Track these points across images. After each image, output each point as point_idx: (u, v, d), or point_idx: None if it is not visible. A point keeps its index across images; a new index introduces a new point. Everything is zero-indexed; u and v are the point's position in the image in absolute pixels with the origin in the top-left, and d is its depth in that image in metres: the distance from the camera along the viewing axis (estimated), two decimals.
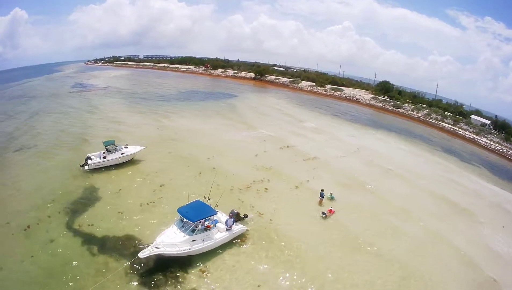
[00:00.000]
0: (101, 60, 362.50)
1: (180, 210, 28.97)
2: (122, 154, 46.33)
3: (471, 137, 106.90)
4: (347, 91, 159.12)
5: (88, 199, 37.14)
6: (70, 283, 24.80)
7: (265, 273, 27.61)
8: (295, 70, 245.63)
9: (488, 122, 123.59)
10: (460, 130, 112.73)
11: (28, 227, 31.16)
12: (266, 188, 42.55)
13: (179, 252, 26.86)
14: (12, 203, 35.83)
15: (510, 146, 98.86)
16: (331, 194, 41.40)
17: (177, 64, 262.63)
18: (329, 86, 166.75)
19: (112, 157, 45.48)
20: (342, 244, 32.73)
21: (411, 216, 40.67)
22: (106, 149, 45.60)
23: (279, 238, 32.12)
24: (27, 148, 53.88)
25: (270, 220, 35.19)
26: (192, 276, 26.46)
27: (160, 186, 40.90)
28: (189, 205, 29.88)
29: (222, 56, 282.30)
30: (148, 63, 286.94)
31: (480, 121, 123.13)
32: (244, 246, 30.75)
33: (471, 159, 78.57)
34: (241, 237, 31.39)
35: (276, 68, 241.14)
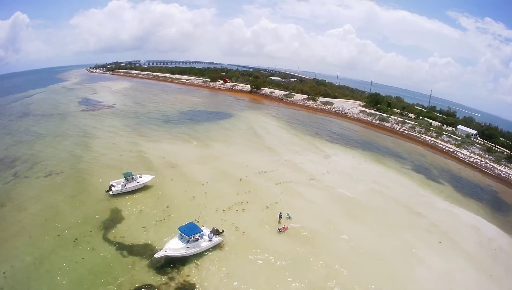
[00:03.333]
0: (102, 66, 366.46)
1: (180, 228, 45.71)
2: (137, 182, 61.88)
3: (451, 150, 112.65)
4: (337, 104, 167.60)
5: (116, 218, 52.66)
6: (108, 277, 40.05)
7: (231, 265, 44.17)
8: (291, 79, 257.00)
9: (474, 132, 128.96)
10: (441, 143, 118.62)
11: (76, 239, 46.43)
12: (243, 209, 58.17)
13: (180, 254, 43.40)
14: (58, 221, 50.65)
15: (490, 157, 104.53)
16: (288, 214, 56.41)
17: (178, 74, 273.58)
18: (321, 99, 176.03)
19: (130, 185, 60.95)
20: (289, 251, 48.29)
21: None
22: (126, 179, 61.14)
23: (246, 245, 48.47)
24: (55, 174, 68.08)
25: (243, 232, 51.38)
26: (188, 268, 42.80)
27: (167, 207, 56.75)
28: (185, 225, 46.61)
29: (223, 60, 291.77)
30: (149, 73, 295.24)
31: (466, 132, 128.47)
32: (222, 250, 47.04)
33: (439, 176, 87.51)
34: (219, 245, 47.69)
35: (273, 78, 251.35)
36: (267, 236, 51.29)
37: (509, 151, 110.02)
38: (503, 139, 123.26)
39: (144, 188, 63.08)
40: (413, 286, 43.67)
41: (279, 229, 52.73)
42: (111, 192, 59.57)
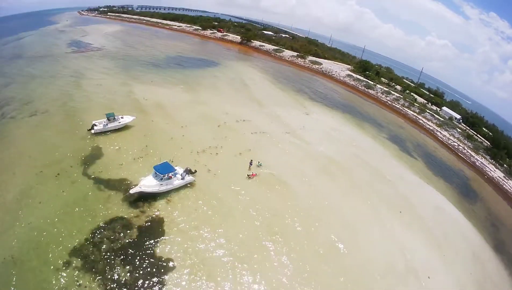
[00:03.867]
0: (95, 10, 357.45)
1: (155, 167, 48.78)
2: (119, 122, 64.07)
3: (431, 128, 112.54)
4: (326, 65, 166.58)
5: (96, 155, 55.22)
6: (87, 205, 43.52)
7: (199, 203, 47.76)
8: (283, 35, 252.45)
9: (458, 116, 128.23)
10: (422, 119, 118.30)
11: (58, 174, 48.95)
12: (217, 153, 61.24)
13: (153, 191, 46.47)
14: (41, 158, 52.64)
15: (469, 144, 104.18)
16: (259, 162, 59.55)
17: (170, 20, 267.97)
18: (310, 58, 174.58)
19: (112, 125, 63.17)
20: (252, 198, 51.49)
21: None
22: (108, 119, 63.16)
23: (215, 186, 51.89)
24: (40, 113, 68.73)
25: (214, 174, 54.64)
26: (160, 203, 46.31)
27: (145, 146, 59.49)
28: (160, 164, 49.74)
29: (217, 10, 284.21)
30: (141, 17, 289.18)
31: (450, 114, 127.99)
32: (192, 189, 50.54)
33: (413, 150, 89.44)
34: (192, 184, 51.08)
35: (264, 32, 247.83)
36: (236, 180, 54.53)
37: (488, 143, 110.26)
38: (486, 130, 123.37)
39: (125, 128, 65.36)
40: (366, 243, 47.86)
41: (248, 175, 55.88)
42: (93, 131, 61.66)
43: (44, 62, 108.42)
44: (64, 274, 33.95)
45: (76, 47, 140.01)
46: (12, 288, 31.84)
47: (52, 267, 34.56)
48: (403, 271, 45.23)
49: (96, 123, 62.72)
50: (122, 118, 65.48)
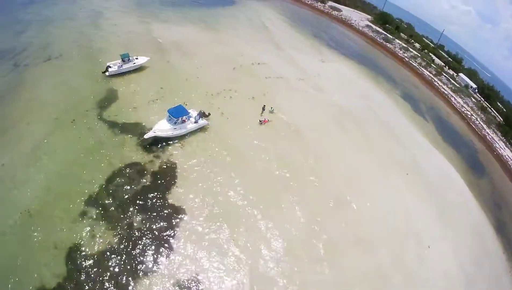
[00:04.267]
0: None
1: (168, 110, 48.42)
2: (133, 63, 62.99)
3: (445, 92, 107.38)
4: (345, 12, 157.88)
5: (111, 98, 54.85)
6: (103, 151, 44.06)
7: (212, 147, 48.14)
8: None
9: (474, 86, 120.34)
10: (438, 82, 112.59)
11: (74, 120, 48.88)
12: (231, 96, 60.43)
13: (167, 135, 46.64)
14: (57, 103, 52.05)
15: (482, 116, 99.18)
16: (271, 107, 58.66)
17: None
18: (330, 3, 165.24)
19: (126, 66, 62.13)
20: (264, 144, 51.38)
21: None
22: (122, 60, 62.14)
23: (228, 130, 51.64)
24: (54, 58, 66.13)
25: (227, 118, 54.36)
26: (174, 147, 46.79)
27: (160, 88, 58.81)
28: (174, 108, 49.30)
29: None
30: None
31: (466, 82, 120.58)
32: (205, 133, 50.66)
33: (425, 112, 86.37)
34: (205, 128, 50.96)
35: None
36: (249, 125, 54.61)
37: (501, 119, 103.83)
38: (500, 105, 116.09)
39: (140, 69, 64.26)
40: (373, 199, 48.31)
41: (260, 121, 55.56)
42: (107, 73, 60.78)
43: (58, 4, 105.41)
44: (81, 224, 34.92)
45: None
46: (30, 241, 32.61)
47: (69, 217, 35.43)
48: (404, 234, 45.77)
49: (110, 65, 61.68)
50: (136, 58, 64.17)
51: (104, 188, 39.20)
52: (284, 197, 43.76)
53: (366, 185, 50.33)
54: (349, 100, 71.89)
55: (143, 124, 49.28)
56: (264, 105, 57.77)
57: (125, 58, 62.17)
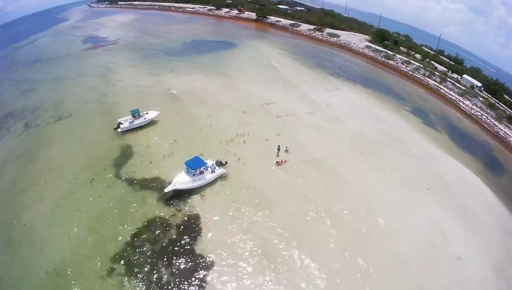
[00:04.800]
0: (104, 0, 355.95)
1: (186, 163, 48.56)
2: (144, 118, 63.87)
3: (453, 98, 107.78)
4: (343, 37, 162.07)
5: (126, 154, 55.67)
6: (125, 208, 44.16)
7: (234, 194, 47.90)
8: (298, 8, 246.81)
9: (479, 84, 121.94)
10: (444, 89, 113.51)
11: (92, 179, 49.53)
12: (244, 141, 60.63)
13: (187, 187, 46.64)
14: (73, 163, 53.35)
15: (492, 113, 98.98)
16: (286, 147, 58.48)
17: (182, 3, 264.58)
18: (328, 30, 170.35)
19: (138, 122, 63.08)
20: (285, 185, 51.13)
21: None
22: (133, 116, 63.09)
23: (247, 175, 51.64)
24: (65, 117, 68.72)
25: (244, 163, 54.32)
26: (195, 200, 46.39)
27: (174, 140, 59.41)
28: (191, 159, 49.46)
29: None
30: (153, 3, 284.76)
31: (471, 82, 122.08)
32: (225, 180, 50.53)
33: (436, 122, 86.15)
34: (223, 176, 50.91)
35: (279, 6, 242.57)
36: (266, 168, 54.36)
37: (511, 111, 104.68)
38: (507, 97, 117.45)
39: (152, 123, 65.29)
40: (397, 217, 47.62)
41: (277, 162, 55.34)
42: (119, 130, 61.81)
43: (64, 62, 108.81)
44: (110, 282, 34.54)
45: (93, 42, 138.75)
46: None
47: (97, 275, 35.14)
48: (435, 247, 44.21)
49: (121, 121, 62.72)
50: (147, 113, 65.19)
51: (129, 244, 39.15)
52: (317, 229, 43.41)
53: (390, 205, 49.55)
54: (361, 125, 71.99)
55: (162, 178, 49.55)
56: (279, 145, 57.73)
57: (135, 114, 63.23)
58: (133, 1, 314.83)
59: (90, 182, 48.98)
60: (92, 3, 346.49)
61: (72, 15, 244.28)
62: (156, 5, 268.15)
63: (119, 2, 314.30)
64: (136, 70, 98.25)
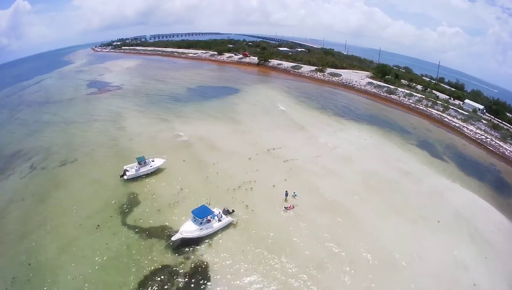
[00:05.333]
0: (108, 44, 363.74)
1: (192, 211, 48.77)
2: (150, 166, 64.44)
3: (457, 125, 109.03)
4: (345, 76, 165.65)
5: (133, 202, 55.82)
6: (131, 256, 43.84)
7: (243, 242, 47.41)
8: (299, 49, 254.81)
9: (481, 107, 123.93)
10: (447, 117, 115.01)
11: (98, 225, 49.71)
12: (251, 188, 60.71)
13: (194, 236, 46.54)
14: (79, 210, 53.64)
15: (496, 134, 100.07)
16: (294, 192, 58.47)
17: (185, 48, 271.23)
18: (329, 70, 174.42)
19: (144, 169, 63.60)
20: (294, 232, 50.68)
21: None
22: (139, 163, 63.69)
23: (256, 223, 51.54)
24: (70, 162, 70.01)
25: (252, 210, 54.31)
26: (203, 248, 46.06)
27: (181, 189, 59.62)
28: (198, 208, 49.68)
29: (229, 30, 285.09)
30: (156, 48, 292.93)
31: (473, 106, 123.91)
32: (234, 228, 50.37)
33: (443, 153, 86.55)
34: (232, 224, 50.82)
35: (280, 48, 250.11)
36: (274, 215, 54.09)
37: None
38: (510, 115, 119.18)
39: (158, 171, 65.70)
40: (412, 254, 46.80)
41: (285, 207, 55.28)
42: (125, 177, 62.23)
43: (72, 106, 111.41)
44: None
45: (99, 87, 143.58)
46: None
47: None
48: (452, 279, 43.53)
49: (127, 169, 63.27)
50: (153, 161, 65.73)
51: None
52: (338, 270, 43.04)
53: (405, 240, 49.34)
54: (368, 165, 72.22)
55: (169, 226, 49.54)
56: (286, 191, 57.78)
57: (141, 161, 63.63)
58: (136, 46, 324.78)
59: (96, 228, 49.18)
60: (96, 46, 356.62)
61: (77, 58, 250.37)
62: (159, 50, 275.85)
63: (123, 47, 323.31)
64: (144, 115, 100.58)
